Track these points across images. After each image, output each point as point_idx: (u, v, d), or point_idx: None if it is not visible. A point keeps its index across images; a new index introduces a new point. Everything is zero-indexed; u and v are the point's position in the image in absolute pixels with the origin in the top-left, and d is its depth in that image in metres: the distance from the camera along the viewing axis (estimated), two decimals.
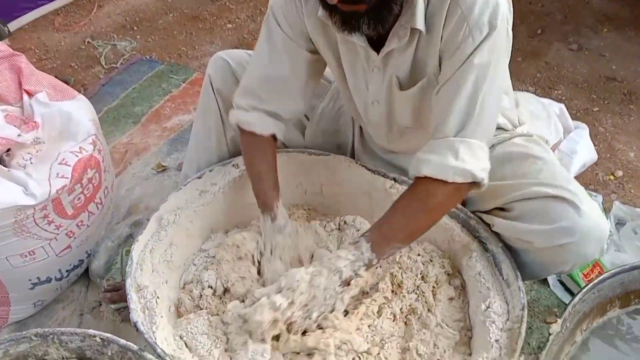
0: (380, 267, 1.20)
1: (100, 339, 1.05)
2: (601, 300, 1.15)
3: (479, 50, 1.00)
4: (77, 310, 1.47)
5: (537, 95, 1.93)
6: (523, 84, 2.23)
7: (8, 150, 1.34)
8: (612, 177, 1.82)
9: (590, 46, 2.45)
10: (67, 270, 1.43)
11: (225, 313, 1.12)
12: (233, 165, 1.38)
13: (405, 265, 1.20)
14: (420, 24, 1.03)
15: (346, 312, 1.11)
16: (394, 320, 1.14)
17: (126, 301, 1.10)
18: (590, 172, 1.81)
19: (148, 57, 2.44)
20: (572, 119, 1.82)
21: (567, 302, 1.41)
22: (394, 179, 1.33)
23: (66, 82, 2.14)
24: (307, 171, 1.42)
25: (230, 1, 2.84)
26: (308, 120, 1.47)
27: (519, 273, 1.11)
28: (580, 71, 2.31)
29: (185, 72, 2.33)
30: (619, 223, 1.59)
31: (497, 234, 1.19)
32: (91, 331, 1.05)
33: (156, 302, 1.13)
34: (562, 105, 1.79)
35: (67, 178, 1.29)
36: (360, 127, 1.45)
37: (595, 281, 1.12)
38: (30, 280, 1.36)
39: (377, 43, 1.10)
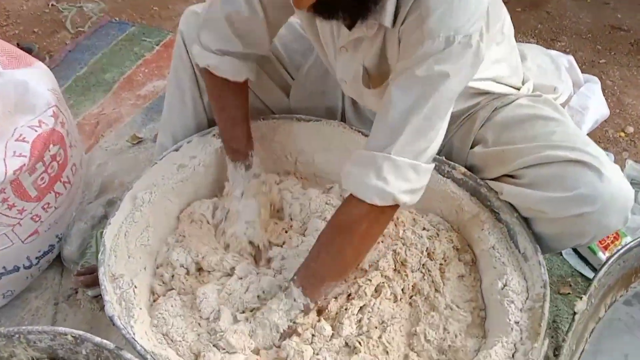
0: (382, 242, 1.09)
1: (73, 336, 0.95)
2: (626, 271, 1.05)
3: (428, 62, 0.85)
4: (51, 299, 1.37)
5: None
6: (524, 36, 2.12)
7: None
8: (622, 134, 1.72)
9: None
10: (36, 257, 1.32)
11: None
12: (213, 135, 1.26)
13: (410, 241, 1.09)
14: (387, 20, 0.90)
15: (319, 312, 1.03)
16: (394, 301, 1.03)
17: None
18: (600, 129, 1.70)
19: (117, 19, 2.29)
20: None
21: (581, 271, 1.34)
22: None
23: (30, 50, 2.01)
24: (297, 139, 1.30)
25: None
26: (293, 80, 1.33)
27: (537, 246, 1.00)
28: (583, 21, 2.20)
29: (158, 34, 2.20)
30: (633, 183, 1.48)
31: (510, 203, 1.07)
32: (62, 329, 0.96)
33: (134, 292, 1.03)
34: (571, 57, 1.67)
35: (26, 156, 1.15)
36: None
37: (622, 251, 1.01)
38: None
39: (351, 25, 0.97)
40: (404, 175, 0.90)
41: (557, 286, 1.31)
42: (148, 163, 1.41)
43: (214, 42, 1.10)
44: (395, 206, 0.94)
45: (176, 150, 1.23)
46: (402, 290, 1.04)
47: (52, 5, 2.35)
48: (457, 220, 1.14)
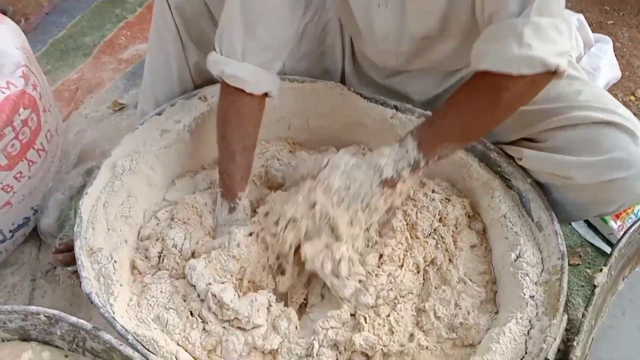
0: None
1: (46, 316, 0.89)
2: None
3: None
4: (28, 274, 1.29)
5: None
6: None
7: None
8: (632, 98, 1.63)
9: None
10: (10, 231, 1.23)
11: None
12: (199, 97, 1.16)
13: (421, 203, 1.00)
14: None
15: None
16: (415, 273, 0.95)
17: None
18: (609, 92, 1.60)
19: None
20: None
21: (591, 240, 1.27)
22: (395, 107, 1.12)
23: (4, 12, 1.88)
24: (290, 102, 1.20)
25: None
26: None
27: (553, 214, 0.92)
28: None
29: None
30: None
31: (523, 169, 0.99)
32: (34, 308, 0.89)
33: (113, 267, 0.95)
34: (581, 16, 1.58)
35: None
36: (352, 47, 1.21)
37: None
38: None
39: None
40: (549, 37, 0.79)
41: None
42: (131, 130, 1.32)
43: (227, 41, 0.98)
44: (547, 75, 0.82)
45: (159, 114, 1.13)
46: (424, 258, 0.95)
47: None
48: (466, 188, 1.05)
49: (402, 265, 0.93)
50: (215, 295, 0.89)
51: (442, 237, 0.97)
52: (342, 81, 1.25)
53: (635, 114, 1.56)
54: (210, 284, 0.91)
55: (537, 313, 0.83)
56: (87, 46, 1.87)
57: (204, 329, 0.89)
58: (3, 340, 0.91)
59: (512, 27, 0.80)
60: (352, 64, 1.24)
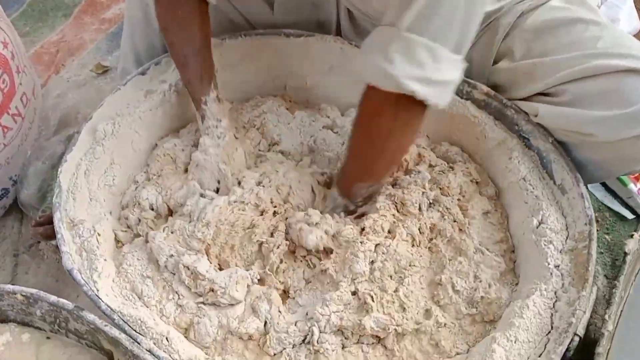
0: None
1: (23, 295, 0.83)
2: None
3: None
4: (10, 249, 1.22)
5: None
6: None
7: None
8: None
9: None
10: None
11: None
12: None
13: (407, 181, 0.93)
14: None
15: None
16: (412, 244, 0.87)
17: None
18: None
19: None
20: None
21: (609, 204, 1.21)
22: None
23: None
24: (285, 59, 1.11)
25: None
26: None
27: (579, 175, 0.84)
28: None
29: None
30: None
31: (542, 126, 0.90)
32: (10, 287, 0.82)
33: (97, 240, 0.87)
34: None
35: None
36: None
37: None
38: None
39: None
40: (416, 58, 0.70)
41: None
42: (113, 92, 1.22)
43: None
44: (417, 101, 0.74)
45: (142, 73, 1.03)
46: (419, 229, 0.87)
47: None
48: (479, 150, 0.97)
49: (394, 237, 0.85)
50: (188, 267, 0.82)
51: (447, 207, 0.89)
52: (338, 33, 1.15)
53: None
54: (172, 255, 0.84)
55: (563, 284, 0.75)
56: (67, 6, 1.76)
57: (177, 303, 0.81)
58: None
59: (384, 36, 0.73)
60: (348, 15, 1.14)
